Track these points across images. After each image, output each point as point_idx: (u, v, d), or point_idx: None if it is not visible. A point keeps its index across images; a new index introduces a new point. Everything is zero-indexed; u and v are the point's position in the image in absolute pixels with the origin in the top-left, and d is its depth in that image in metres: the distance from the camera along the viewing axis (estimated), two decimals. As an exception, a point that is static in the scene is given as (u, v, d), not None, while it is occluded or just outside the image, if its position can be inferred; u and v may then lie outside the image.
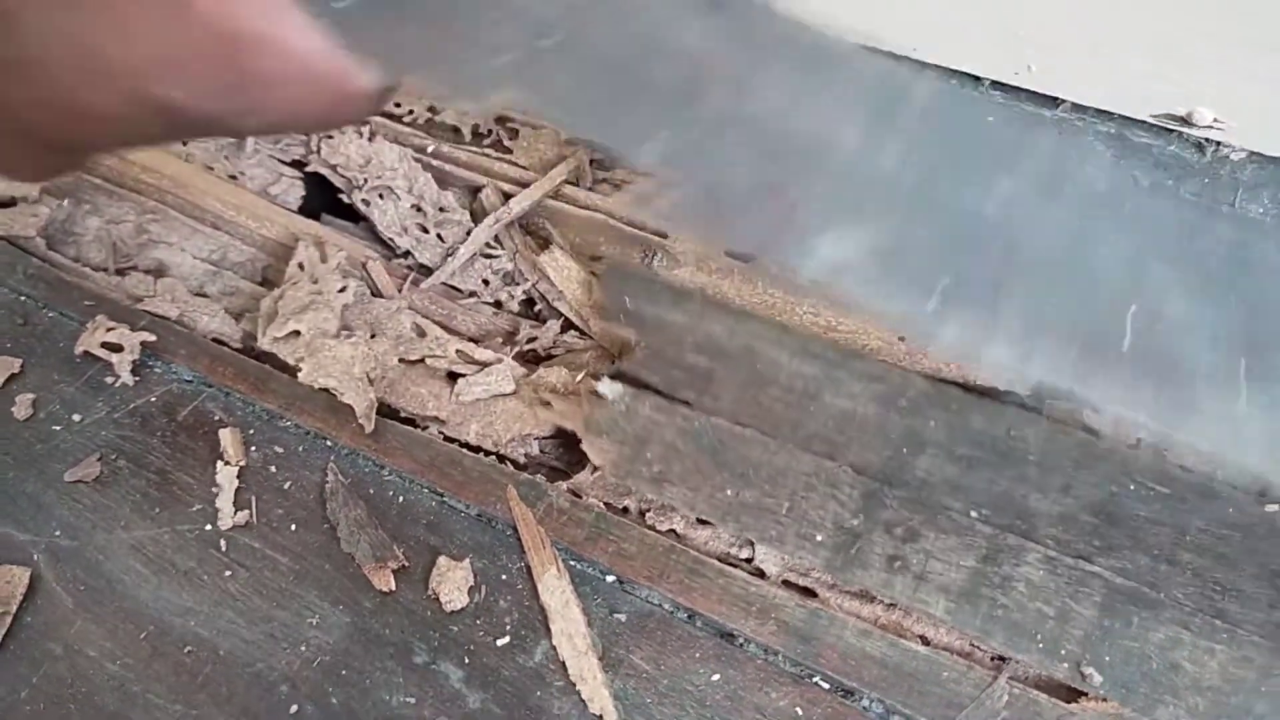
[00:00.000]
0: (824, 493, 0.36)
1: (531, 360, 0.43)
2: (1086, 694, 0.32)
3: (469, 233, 0.45)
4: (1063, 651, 0.32)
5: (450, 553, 0.37)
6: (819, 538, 0.35)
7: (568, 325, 0.43)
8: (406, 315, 0.43)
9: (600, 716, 0.33)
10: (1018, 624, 0.33)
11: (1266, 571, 0.33)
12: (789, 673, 0.33)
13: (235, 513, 0.38)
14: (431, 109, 0.49)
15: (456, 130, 0.48)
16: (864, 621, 0.34)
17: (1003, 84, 0.43)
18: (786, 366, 0.39)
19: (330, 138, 0.47)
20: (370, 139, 0.47)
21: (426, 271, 0.45)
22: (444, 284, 0.45)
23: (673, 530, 0.37)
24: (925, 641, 0.34)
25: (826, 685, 0.33)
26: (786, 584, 0.36)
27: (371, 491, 0.38)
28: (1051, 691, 0.32)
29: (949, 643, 0.34)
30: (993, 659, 0.33)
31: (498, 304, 0.45)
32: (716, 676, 0.34)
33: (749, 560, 0.36)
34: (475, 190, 0.46)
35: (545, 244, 0.45)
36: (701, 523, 0.37)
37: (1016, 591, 0.33)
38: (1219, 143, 0.40)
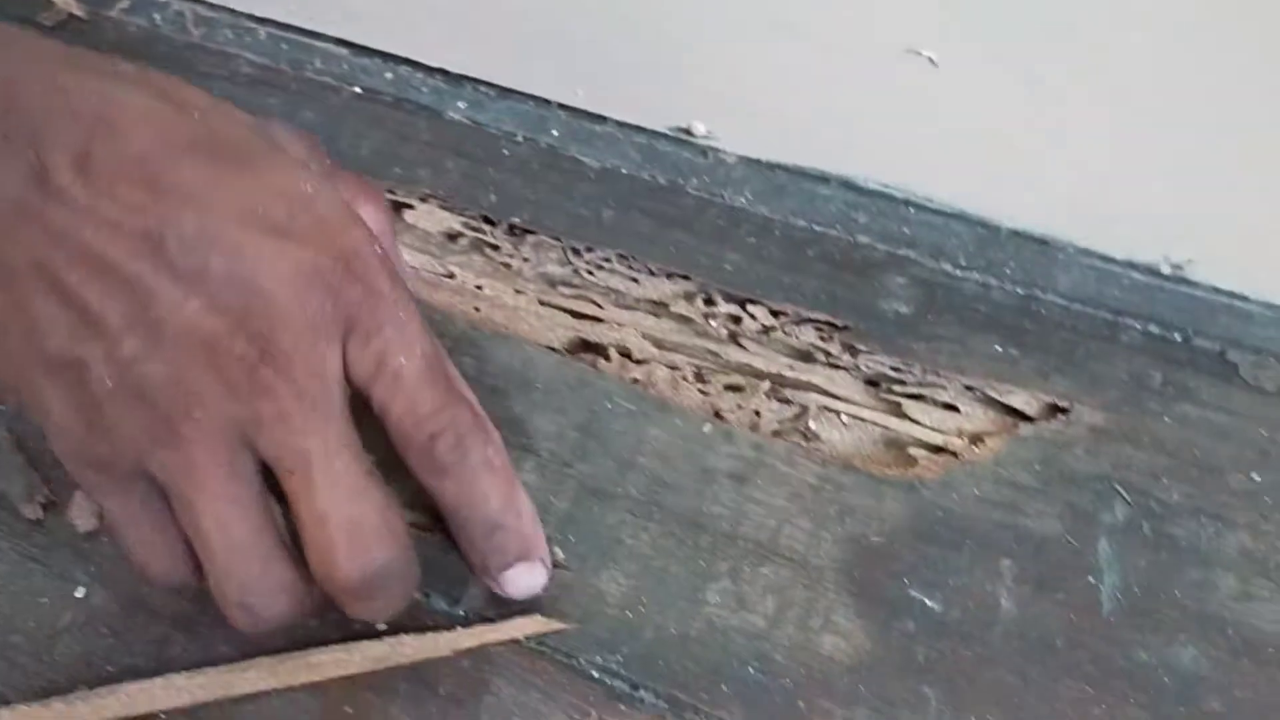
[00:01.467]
0: (384, 428, 0.46)
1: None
2: (555, 564, 0.42)
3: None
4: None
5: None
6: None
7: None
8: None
9: (191, 605, 0.43)
10: (512, 518, 0.43)
11: (698, 469, 0.44)
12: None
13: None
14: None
15: (139, 150, 0.57)
16: (403, 523, 0.44)
17: (567, 106, 0.54)
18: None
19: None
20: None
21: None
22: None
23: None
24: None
25: (367, 572, 0.43)
26: (353, 500, 0.46)
27: (31, 445, 0.47)
28: (529, 565, 0.43)
29: (464, 535, 0.44)
30: (494, 545, 0.44)
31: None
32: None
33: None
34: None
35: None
36: (295, 458, 0.47)
37: (515, 494, 0.44)
38: (716, 149, 0.52)
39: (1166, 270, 0.46)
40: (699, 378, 0.47)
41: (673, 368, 0.48)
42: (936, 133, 0.45)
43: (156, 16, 0.61)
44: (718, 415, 0.46)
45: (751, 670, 0.39)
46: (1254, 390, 0.43)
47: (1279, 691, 0.37)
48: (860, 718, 0.38)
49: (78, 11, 0.62)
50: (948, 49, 0.42)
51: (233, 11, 0.60)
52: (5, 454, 0.47)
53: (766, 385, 0.46)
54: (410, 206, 0.53)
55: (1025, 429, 0.43)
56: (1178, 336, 0.45)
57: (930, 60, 0.42)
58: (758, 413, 0.46)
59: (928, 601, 0.40)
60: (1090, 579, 0.40)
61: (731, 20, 0.45)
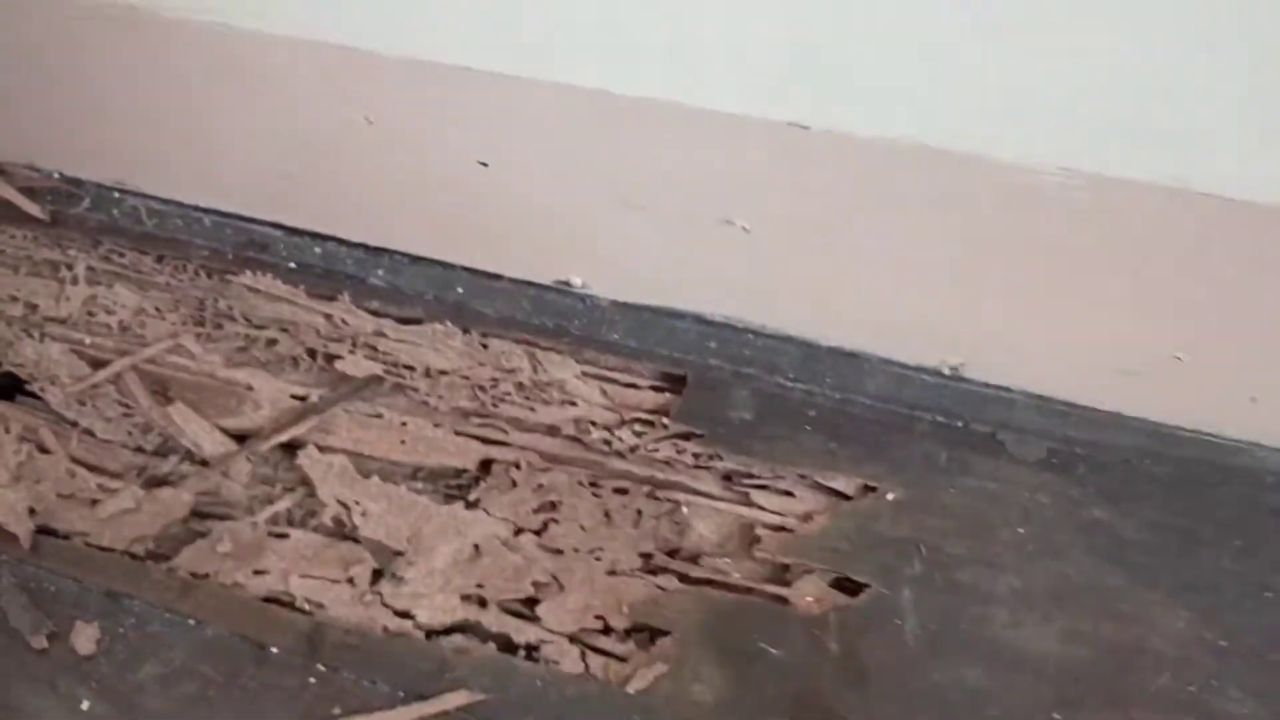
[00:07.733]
0: (338, 553, 0.56)
1: (157, 484, 0.62)
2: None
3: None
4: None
5: (84, 619, 0.55)
6: (342, 578, 0.55)
7: (188, 457, 0.63)
8: (64, 463, 0.62)
9: (178, 708, 0.52)
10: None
11: (590, 561, 0.54)
12: (298, 664, 0.53)
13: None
14: (90, 311, 0.68)
15: (109, 326, 0.68)
16: (344, 628, 0.54)
17: (469, 268, 0.66)
18: (317, 469, 0.59)
19: (11, 344, 0.66)
20: (41, 340, 0.67)
21: (92, 433, 0.64)
22: (101, 438, 0.64)
23: (236, 582, 0.56)
24: (398, 621, 0.54)
25: (323, 666, 0.53)
26: (302, 610, 0.55)
27: (33, 586, 0.56)
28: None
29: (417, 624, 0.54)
30: (429, 634, 0.54)
31: (140, 449, 0.64)
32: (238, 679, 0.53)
33: (286, 591, 0.56)
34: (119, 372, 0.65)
35: (170, 400, 0.64)
36: (256, 573, 0.56)
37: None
38: (591, 296, 0.63)
39: (947, 372, 0.58)
40: (593, 484, 0.58)
41: (569, 474, 0.58)
42: (760, 278, 0.58)
43: (115, 211, 0.72)
44: (606, 515, 0.57)
45: (637, 718, 0.49)
46: (1019, 462, 0.56)
47: (1043, 696, 0.48)
48: (723, 746, 0.48)
49: (41, 215, 0.72)
50: (755, 219, 0.54)
51: (181, 204, 0.71)
52: (12, 595, 0.56)
53: (645, 489, 0.57)
54: (340, 357, 0.64)
55: (845, 506, 0.55)
56: (959, 423, 0.57)
57: (743, 229, 0.54)
58: (640, 511, 0.57)
59: (772, 650, 0.50)
60: (897, 620, 0.51)
61: (591, 200, 0.57)
